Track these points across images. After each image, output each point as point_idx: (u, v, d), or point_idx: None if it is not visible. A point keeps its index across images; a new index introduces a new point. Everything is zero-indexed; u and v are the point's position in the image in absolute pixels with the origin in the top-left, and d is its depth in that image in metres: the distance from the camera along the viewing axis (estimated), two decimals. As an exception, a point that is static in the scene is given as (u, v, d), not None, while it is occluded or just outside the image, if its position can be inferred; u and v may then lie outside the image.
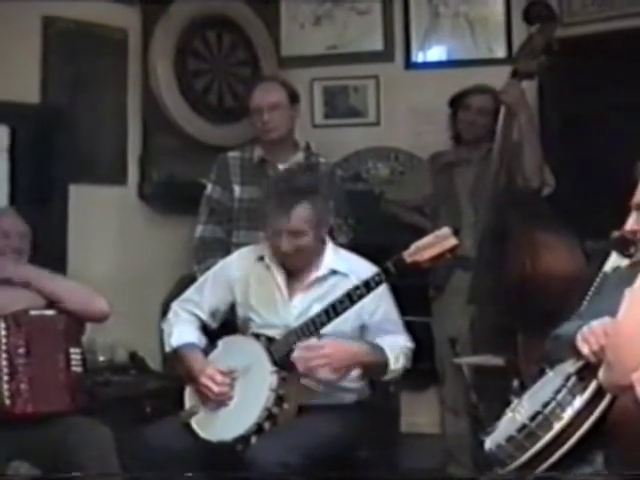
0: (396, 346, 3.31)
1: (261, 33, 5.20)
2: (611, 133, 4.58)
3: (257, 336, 3.32)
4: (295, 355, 3.16)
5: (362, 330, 3.36)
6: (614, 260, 2.87)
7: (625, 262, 2.74)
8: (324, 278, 3.38)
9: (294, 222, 3.26)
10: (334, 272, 3.38)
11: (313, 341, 3.16)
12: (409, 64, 5.31)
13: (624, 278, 2.16)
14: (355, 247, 3.68)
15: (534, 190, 4.24)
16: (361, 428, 3.36)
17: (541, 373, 2.77)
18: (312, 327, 3.19)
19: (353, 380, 3.39)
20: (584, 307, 2.87)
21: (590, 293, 2.90)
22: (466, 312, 4.29)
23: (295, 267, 3.39)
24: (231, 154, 4.25)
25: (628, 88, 4.52)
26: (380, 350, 3.28)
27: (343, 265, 3.40)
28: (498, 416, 2.76)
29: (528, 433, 2.48)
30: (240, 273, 3.48)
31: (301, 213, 3.27)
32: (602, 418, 2.37)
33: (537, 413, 2.47)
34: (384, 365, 3.27)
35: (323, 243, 3.43)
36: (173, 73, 4.83)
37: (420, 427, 4.90)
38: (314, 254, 3.38)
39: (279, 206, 3.26)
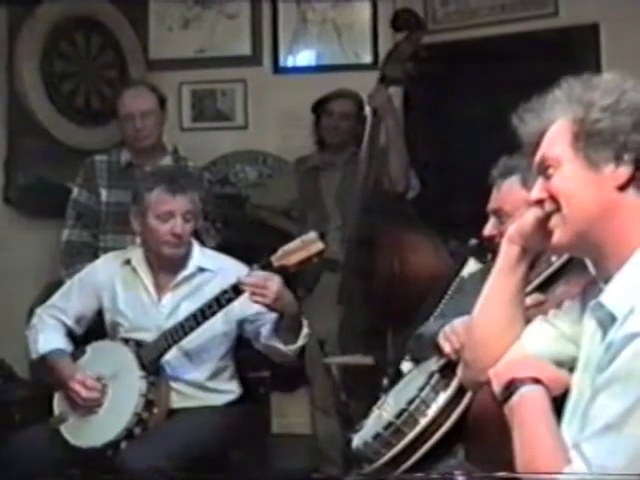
0: None
1: (129, 36, 5.16)
2: (474, 138, 4.69)
3: (126, 341, 3.31)
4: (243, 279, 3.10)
5: (242, 324, 3.37)
6: (472, 265, 2.96)
7: (480, 267, 2.85)
8: (192, 276, 3.40)
9: (186, 202, 3.31)
10: (201, 270, 3.41)
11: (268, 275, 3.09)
12: (277, 68, 5.36)
13: (482, 280, 2.23)
14: (222, 250, 3.69)
15: (400, 193, 4.34)
16: (232, 430, 3.38)
17: (397, 374, 2.84)
18: (181, 331, 3.20)
19: (224, 381, 3.42)
20: (442, 307, 2.95)
21: (448, 294, 2.98)
22: (335, 313, 4.35)
23: (172, 262, 3.37)
24: (98, 157, 4.20)
25: (490, 94, 4.64)
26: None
27: (210, 263, 3.43)
28: (368, 414, 2.82)
29: (394, 430, 2.52)
30: (106, 278, 3.47)
31: (190, 197, 3.33)
32: (465, 413, 2.45)
33: (403, 410, 2.52)
34: (299, 326, 3.29)
35: (189, 244, 3.44)
36: (39, 75, 4.75)
37: (291, 427, 4.94)
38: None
39: (170, 191, 3.29)
